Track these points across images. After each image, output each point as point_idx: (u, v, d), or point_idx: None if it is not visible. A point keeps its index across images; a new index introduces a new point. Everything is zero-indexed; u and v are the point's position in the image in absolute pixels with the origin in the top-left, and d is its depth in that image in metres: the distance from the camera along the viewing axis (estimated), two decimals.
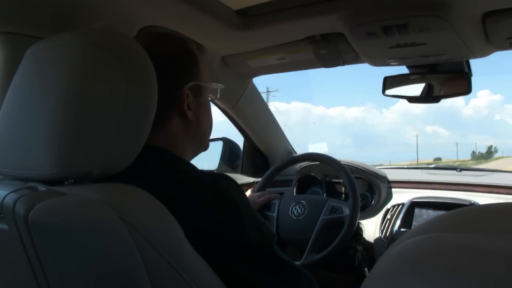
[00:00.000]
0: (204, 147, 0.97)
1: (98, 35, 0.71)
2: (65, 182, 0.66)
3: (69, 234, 0.59)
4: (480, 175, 1.80)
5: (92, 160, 0.65)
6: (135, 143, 0.70)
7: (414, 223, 1.66)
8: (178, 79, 0.86)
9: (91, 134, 0.65)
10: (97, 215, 0.58)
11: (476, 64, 1.54)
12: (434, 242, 0.32)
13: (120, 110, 0.67)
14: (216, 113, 1.99)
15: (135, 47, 0.72)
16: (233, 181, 0.83)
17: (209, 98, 0.98)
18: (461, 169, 1.92)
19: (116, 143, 0.67)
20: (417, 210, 1.67)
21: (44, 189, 0.65)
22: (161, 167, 0.80)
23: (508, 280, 0.26)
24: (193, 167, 0.86)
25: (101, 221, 0.58)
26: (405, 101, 1.62)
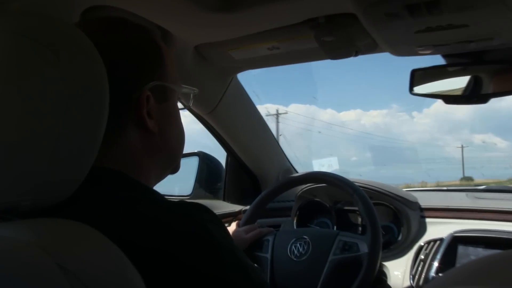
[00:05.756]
0: (173, 168, 1.00)
1: (31, 22, 0.72)
2: None
3: None
4: None
5: (20, 189, 0.66)
6: (78, 165, 0.72)
7: (457, 265, 1.63)
8: (136, 78, 0.88)
9: (18, 153, 0.65)
10: (27, 264, 0.58)
11: None
12: None
13: (58, 120, 0.67)
14: (189, 120, 2.02)
15: (79, 39, 0.74)
16: (211, 213, 0.85)
17: (179, 105, 1.00)
18: None
19: (53, 166, 0.68)
20: (461, 248, 1.65)
21: None
22: (115, 196, 0.81)
23: None
24: (158, 196, 0.87)
25: (33, 272, 0.57)
26: (441, 101, 1.63)
